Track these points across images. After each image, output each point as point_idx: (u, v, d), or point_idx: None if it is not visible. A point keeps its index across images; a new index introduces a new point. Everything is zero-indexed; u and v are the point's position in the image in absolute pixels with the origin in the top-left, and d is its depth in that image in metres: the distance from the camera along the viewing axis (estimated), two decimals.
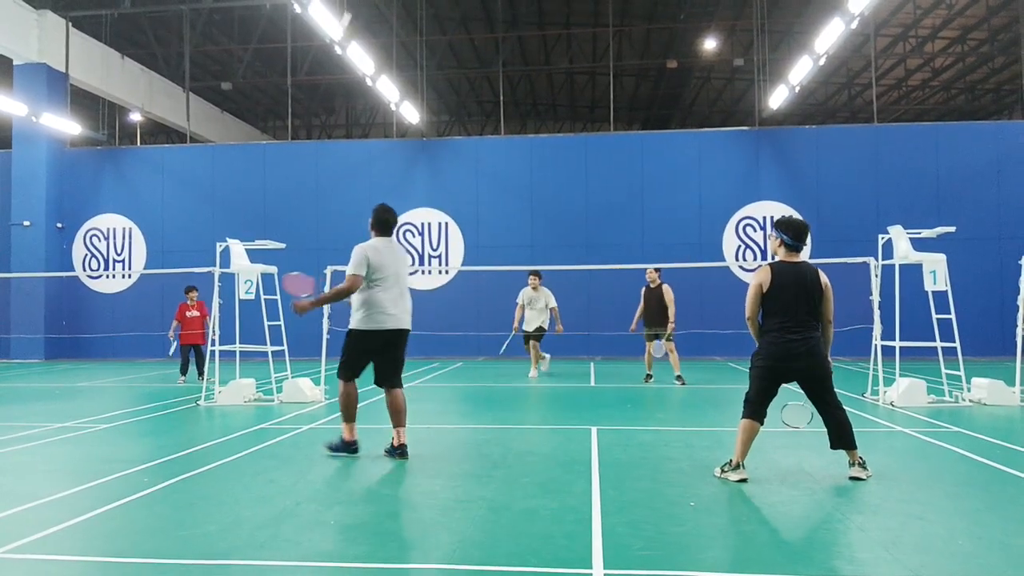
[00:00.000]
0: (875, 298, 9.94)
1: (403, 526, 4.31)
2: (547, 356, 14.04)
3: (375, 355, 6.26)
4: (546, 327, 13.47)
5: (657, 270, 12.42)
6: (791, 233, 5.38)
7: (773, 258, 5.57)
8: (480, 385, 12.63)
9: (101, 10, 20.55)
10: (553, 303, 13.44)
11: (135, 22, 22.55)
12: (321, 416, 8.67)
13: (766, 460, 5.97)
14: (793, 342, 5.20)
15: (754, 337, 5.46)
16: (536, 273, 13.48)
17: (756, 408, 5.32)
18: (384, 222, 6.34)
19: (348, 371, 6.25)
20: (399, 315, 6.23)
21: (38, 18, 19.42)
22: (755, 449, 6.44)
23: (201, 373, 12.75)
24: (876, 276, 10.02)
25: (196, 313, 13.39)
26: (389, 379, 6.30)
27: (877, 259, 10.06)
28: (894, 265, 9.61)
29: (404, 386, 6.38)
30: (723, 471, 5.36)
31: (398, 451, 6.16)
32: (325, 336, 10.37)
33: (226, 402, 9.98)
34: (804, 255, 5.61)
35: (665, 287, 12.18)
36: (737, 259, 18.67)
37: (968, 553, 3.75)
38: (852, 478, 5.25)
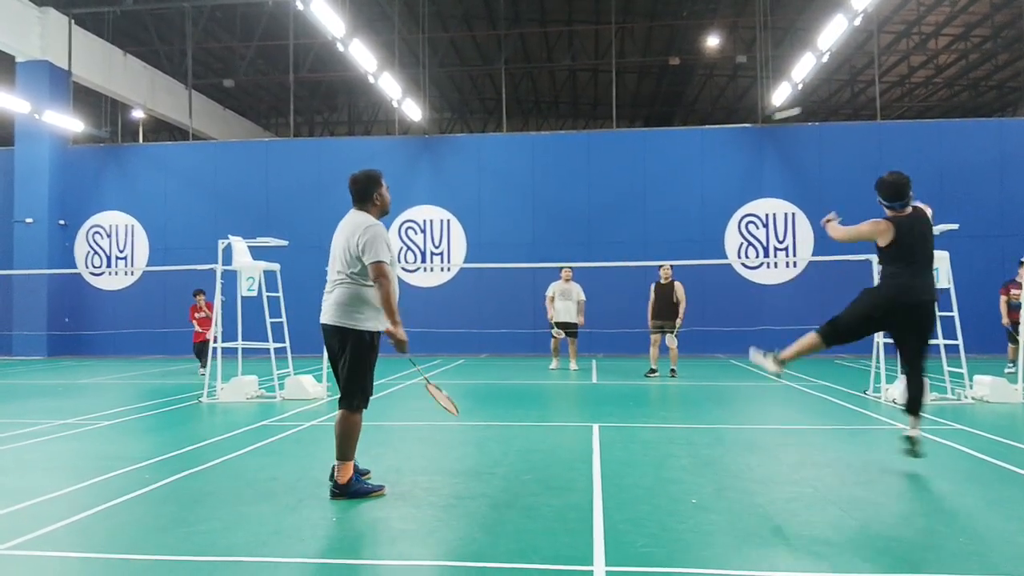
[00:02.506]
0: None
1: (405, 523, 4.31)
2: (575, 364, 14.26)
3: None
4: (580, 322, 14.21)
5: (671, 267, 12.98)
6: (883, 194, 5.33)
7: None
8: (482, 382, 12.62)
9: (103, 7, 20.57)
10: (582, 297, 14.21)
11: (137, 19, 22.56)
12: (323, 413, 8.70)
13: (769, 456, 5.97)
14: (916, 289, 5.18)
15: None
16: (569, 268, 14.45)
17: (837, 336, 5.20)
18: (350, 190, 5.25)
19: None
20: (326, 306, 4.97)
21: (40, 15, 19.42)
22: (758, 446, 6.45)
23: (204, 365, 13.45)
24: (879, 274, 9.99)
25: (203, 314, 14.01)
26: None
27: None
28: None
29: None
30: (765, 355, 5.25)
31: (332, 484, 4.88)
32: None
33: (228, 399, 10.00)
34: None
35: (677, 284, 12.79)
36: (739, 256, 18.64)
37: (970, 550, 3.74)
38: (907, 438, 5.31)
